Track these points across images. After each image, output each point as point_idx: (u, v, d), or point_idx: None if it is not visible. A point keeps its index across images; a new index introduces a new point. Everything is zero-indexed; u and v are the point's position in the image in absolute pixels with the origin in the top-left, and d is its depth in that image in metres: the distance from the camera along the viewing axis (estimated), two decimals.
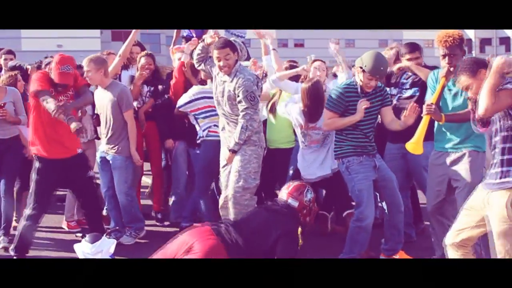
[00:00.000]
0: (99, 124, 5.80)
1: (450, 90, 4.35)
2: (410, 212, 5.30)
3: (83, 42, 33.92)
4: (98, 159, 5.64)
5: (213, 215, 5.37)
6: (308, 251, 4.73)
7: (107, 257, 4.46)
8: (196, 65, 5.14)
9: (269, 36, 6.10)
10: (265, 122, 5.73)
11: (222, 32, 6.25)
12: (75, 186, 5.05)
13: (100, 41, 37.11)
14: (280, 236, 4.16)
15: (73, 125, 4.45)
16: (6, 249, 5.17)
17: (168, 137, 5.98)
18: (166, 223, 6.05)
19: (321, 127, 5.14)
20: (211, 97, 5.08)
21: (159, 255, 4.15)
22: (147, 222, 5.90)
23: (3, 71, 7.25)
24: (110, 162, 5.48)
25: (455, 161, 4.35)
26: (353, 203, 4.95)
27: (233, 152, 4.80)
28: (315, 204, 4.63)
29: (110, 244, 4.50)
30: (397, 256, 4.83)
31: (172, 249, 4.07)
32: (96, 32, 37.23)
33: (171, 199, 6.17)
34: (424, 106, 4.23)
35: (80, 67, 5.59)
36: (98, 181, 5.63)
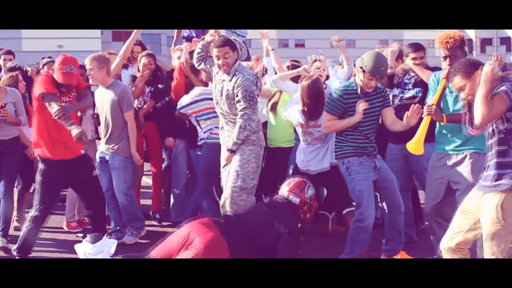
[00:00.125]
0: (99, 124, 5.80)
1: (451, 92, 4.35)
2: (411, 213, 5.30)
3: (84, 42, 33.90)
4: (97, 159, 5.64)
5: (215, 216, 5.37)
6: (309, 251, 4.73)
7: (108, 257, 4.46)
8: (196, 65, 5.13)
9: (266, 36, 6.11)
10: (265, 122, 5.74)
11: (223, 31, 6.25)
12: (80, 187, 5.04)
13: (100, 41, 37.10)
14: (281, 233, 4.16)
15: (74, 132, 4.44)
16: (5, 249, 5.18)
17: (168, 135, 5.98)
18: (165, 223, 6.05)
19: (317, 124, 5.12)
20: (213, 99, 5.08)
21: (159, 248, 4.14)
22: (147, 222, 5.92)
23: (2, 72, 7.26)
24: (109, 162, 5.48)
25: (456, 163, 4.35)
26: (354, 203, 4.95)
27: (231, 151, 4.80)
28: (316, 201, 4.64)
29: (111, 245, 4.50)
30: (398, 257, 4.83)
31: (172, 242, 4.07)
32: (97, 32, 37.22)
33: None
34: (425, 107, 4.23)
35: (82, 67, 5.60)
36: None
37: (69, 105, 4.79)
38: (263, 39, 6.14)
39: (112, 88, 5.39)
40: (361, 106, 4.52)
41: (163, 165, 6.45)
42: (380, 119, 4.82)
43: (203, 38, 5.02)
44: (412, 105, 4.41)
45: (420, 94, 4.95)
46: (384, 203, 4.87)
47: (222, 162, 4.95)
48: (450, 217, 4.13)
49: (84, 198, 5.17)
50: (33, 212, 4.78)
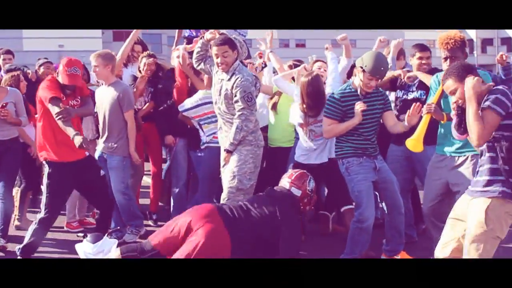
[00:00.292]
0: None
1: None
2: (411, 214, 5.30)
3: (85, 42, 33.90)
4: (96, 159, 5.63)
5: None
6: (309, 251, 4.73)
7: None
8: (195, 65, 5.11)
9: (263, 41, 6.11)
10: (266, 126, 5.74)
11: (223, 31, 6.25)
12: (88, 188, 5.02)
13: (101, 41, 37.09)
14: (283, 225, 4.16)
15: (77, 140, 4.41)
16: (3, 249, 5.18)
17: (168, 134, 5.99)
18: (162, 223, 6.05)
19: (317, 120, 5.08)
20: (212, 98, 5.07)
21: (159, 235, 4.13)
22: (145, 222, 5.93)
23: (2, 71, 7.26)
24: (107, 161, 5.47)
25: (458, 166, 4.35)
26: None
27: (228, 152, 4.80)
28: (315, 194, 4.65)
29: (112, 244, 4.51)
30: (398, 257, 4.83)
31: (174, 230, 4.07)
32: (98, 32, 37.21)
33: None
34: (425, 106, 4.24)
35: (84, 67, 5.61)
36: None
37: (72, 108, 4.77)
38: (261, 45, 6.16)
39: (114, 86, 5.40)
40: (359, 107, 4.52)
41: (165, 165, 6.46)
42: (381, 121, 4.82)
43: (203, 37, 5.02)
44: (414, 104, 4.41)
45: (423, 97, 4.95)
46: (384, 204, 4.87)
47: (222, 162, 4.95)
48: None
49: (93, 199, 5.17)
50: (40, 215, 4.75)
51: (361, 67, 4.55)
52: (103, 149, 5.49)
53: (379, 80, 4.67)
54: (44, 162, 4.82)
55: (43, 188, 4.80)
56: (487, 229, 3.36)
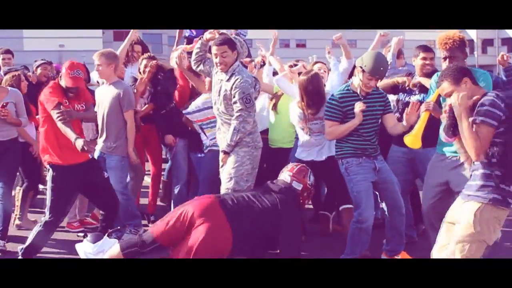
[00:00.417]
0: None
1: None
2: (410, 214, 5.30)
3: (85, 42, 33.90)
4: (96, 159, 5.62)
5: None
6: (309, 251, 4.73)
7: (104, 255, 4.46)
8: (194, 66, 5.10)
9: (263, 46, 6.11)
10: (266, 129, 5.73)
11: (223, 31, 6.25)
12: (93, 190, 5.01)
13: (102, 41, 37.09)
14: (284, 218, 4.15)
15: (78, 144, 4.38)
16: (3, 251, 5.18)
17: (168, 133, 5.99)
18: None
19: (319, 117, 5.06)
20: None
21: (161, 227, 4.12)
22: (146, 222, 5.95)
23: (1, 71, 7.26)
24: (106, 161, 5.46)
25: (458, 166, 4.35)
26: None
27: (225, 153, 4.80)
28: (313, 188, 4.66)
29: (112, 244, 4.51)
30: (399, 257, 4.83)
31: (176, 223, 4.06)
32: (98, 32, 37.20)
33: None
34: (424, 104, 4.24)
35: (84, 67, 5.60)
36: None
37: (74, 111, 4.74)
38: (261, 50, 6.16)
39: (115, 85, 5.40)
40: (358, 106, 4.52)
41: (167, 165, 6.46)
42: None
43: (201, 37, 5.02)
44: (412, 103, 4.41)
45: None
46: (384, 204, 4.87)
47: (220, 163, 4.96)
48: None
49: (97, 201, 5.16)
50: (44, 218, 4.72)
51: (361, 67, 4.55)
52: (102, 149, 5.49)
53: (379, 80, 4.67)
54: (47, 166, 4.79)
55: (47, 191, 4.76)
56: (474, 231, 3.39)
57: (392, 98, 5.19)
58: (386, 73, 4.77)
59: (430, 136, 4.31)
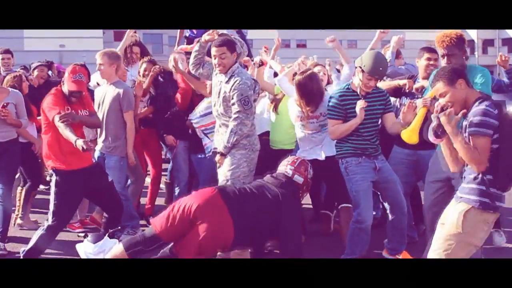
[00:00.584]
0: None
1: None
2: (410, 215, 5.29)
3: (86, 42, 33.92)
4: (96, 159, 5.60)
5: None
6: (309, 252, 4.73)
7: (107, 256, 4.46)
8: (192, 70, 5.09)
9: (267, 51, 6.10)
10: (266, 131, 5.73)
11: (224, 31, 6.24)
12: (98, 195, 5.00)
13: (102, 41, 37.11)
14: (285, 212, 4.15)
15: (79, 144, 4.32)
16: (3, 256, 5.18)
17: (169, 134, 5.99)
18: None
19: (316, 115, 5.04)
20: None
21: (163, 222, 4.08)
22: (141, 222, 5.93)
23: (1, 70, 7.24)
24: (105, 161, 5.46)
25: None
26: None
27: (222, 154, 4.80)
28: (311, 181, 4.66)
29: (112, 244, 4.51)
30: (400, 256, 4.83)
31: (178, 220, 4.03)
32: (99, 32, 37.22)
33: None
34: (421, 99, 4.24)
35: (83, 66, 5.58)
36: None
37: (78, 115, 4.72)
38: (264, 52, 6.15)
39: (115, 85, 5.40)
40: (359, 104, 4.51)
41: (169, 166, 6.45)
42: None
43: (199, 40, 5.01)
44: (409, 101, 4.41)
45: None
46: (386, 204, 4.86)
47: (216, 165, 4.95)
48: None
49: (102, 204, 5.15)
50: (47, 222, 4.70)
51: (360, 67, 4.55)
52: (102, 149, 5.49)
53: (378, 80, 4.66)
54: (51, 171, 4.78)
55: (51, 196, 4.73)
56: (461, 232, 3.42)
57: (392, 99, 5.18)
58: (386, 73, 4.76)
59: None
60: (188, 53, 5.81)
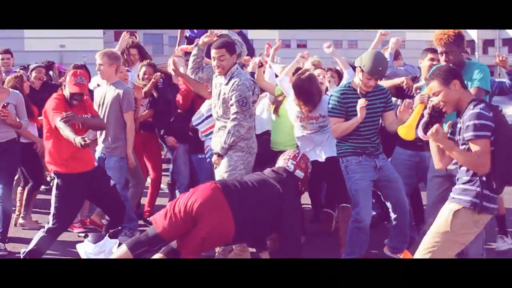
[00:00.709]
0: None
1: None
2: (411, 215, 5.28)
3: (86, 42, 33.95)
4: (96, 159, 5.59)
5: None
6: (310, 252, 4.73)
7: (110, 257, 4.46)
8: (192, 75, 5.08)
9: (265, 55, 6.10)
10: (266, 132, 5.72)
11: (225, 30, 6.24)
12: (99, 198, 4.99)
13: (102, 41, 37.14)
14: (285, 207, 4.14)
15: (77, 141, 4.28)
16: (3, 256, 5.18)
17: (169, 135, 5.98)
18: None
19: (314, 116, 5.03)
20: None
21: (164, 222, 4.06)
22: (140, 222, 5.95)
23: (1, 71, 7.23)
24: (105, 161, 5.45)
25: None
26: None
27: (219, 155, 4.80)
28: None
29: (113, 244, 4.51)
30: (401, 256, 4.83)
31: (178, 219, 4.02)
32: (99, 32, 37.26)
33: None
34: (418, 96, 4.24)
35: (83, 66, 5.59)
36: None
37: (79, 116, 4.71)
38: (265, 54, 6.16)
39: (115, 86, 5.39)
40: (360, 103, 4.50)
41: (171, 166, 6.46)
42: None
43: (197, 44, 5.00)
44: (405, 100, 4.41)
45: None
46: (388, 203, 4.85)
47: (213, 165, 4.95)
48: None
49: (104, 207, 5.14)
50: (48, 224, 4.69)
51: (360, 67, 4.55)
52: (102, 150, 5.49)
53: (378, 80, 4.66)
54: (53, 174, 4.77)
55: (52, 199, 4.72)
56: (449, 230, 3.45)
57: (394, 99, 5.17)
58: (386, 72, 4.76)
59: None
60: (188, 53, 5.81)
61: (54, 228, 4.67)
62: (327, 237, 5.63)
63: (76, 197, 4.79)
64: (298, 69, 5.90)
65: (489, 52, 49.53)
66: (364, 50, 4.77)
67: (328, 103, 4.76)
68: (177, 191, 6.03)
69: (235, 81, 4.68)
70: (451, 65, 4.08)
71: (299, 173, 4.44)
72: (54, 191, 4.70)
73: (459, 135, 3.51)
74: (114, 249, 4.52)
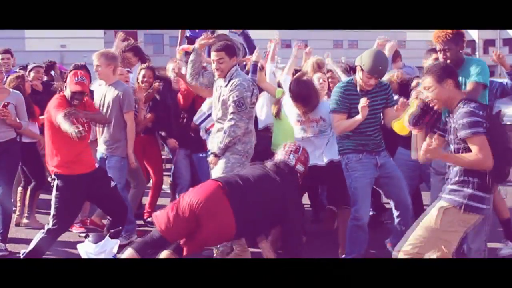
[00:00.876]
0: None
1: None
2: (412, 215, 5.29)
3: (87, 42, 33.90)
4: (97, 160, 5.58)
5: None
6: (310, 252, 4.73)
7: (110, 257, 4.46)
8: (191, 81, 5.08)
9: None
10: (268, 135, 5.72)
11: (226, 31, 6.24)
12: (99, 199, 5.00)
13: (103, 41, 37.14)
14: (288, 204, 4.15)
15: (74, 133, 4.30)
16: (4, 256, 5.18)
17: (170, 137, 5.99)
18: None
19: (314, 119, 5.02)
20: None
21: (165, 222, 4.05)
22: (140, 222, 5.96)
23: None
24: (106, 161, 5.46)
25: None
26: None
27: (215, 156, 4.81)
28: None
29: (113, 244, 4.52)
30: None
31: (180, 220, 4.00)
32: (100, 32, 37.24)
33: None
34: (414, 91, 4.24)
35: (83, 66, 5.59)
36: None
37: (82, 111, 4.73)
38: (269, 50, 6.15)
39: (114, 86, 5.39)
40: (362, 103, 4.49)
41: (172, 167, 6.46)
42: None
43: (193, 49, 5.00)
44: (401, 99, 4.42)
45: None
46: (391, 201, 4.84)
47: (210, 166, 4.95)
48: None
49: (105, 208, 5.15)
50: (48, 225, 4.70)
51: (360, 66, 4.55)
52: (103, 150, 5.49)
53: (379, 79, 4.65)
54: (53, 175, 4.77)
55: (52, 200, 4.73)
56: (434, 226, 3.51)
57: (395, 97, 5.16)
58: (386, 71, 4.75)
59: None
60: (189, 53, 5.82)
61: (54, 229, 4.67)
62: (327, 237, 5.62)
63: (76, 199, 4.79)
64: (297, 70, 5.91)
65: (489, 52, 49.46)
66: (364, 50, 4.76)
67: (331, 99, 4.75)
68: (177, 195, 6.02)
69: (234, 82, 4.69)
70: (448, 61, 4.10)
71: (300, 167, 4.43)
72: (54, 192, 4.70)
73: (450, 134, 3.53)
74: (115, 249, 4.52)
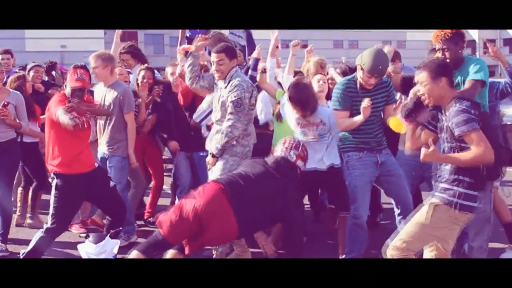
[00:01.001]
0: None
1: None
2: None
3: (87, 43, 33.91)
4: (98, 160, 5.59)
5: None
6: (310, 252, 4.73)
7: (111, 257, 4.46)
8: (192, 85, 5.08)
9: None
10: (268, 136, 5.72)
11: (226, 32, 6.25)
12: (98, 199, 5.01)
13: (104, 41, 37.15)
14: (289, 201, 4.14)
15: (67, 121, 4.28)
16: (4, 256, 5.18)
17: (171, 139, 6.00)
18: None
19: (314, 122, 5.00)
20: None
21: (168, 226, 4.03)
22: (140, 222, 5.96)
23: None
24: (107, 162, 5.46)
25: None
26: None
27: (213, 156, 4.81)
28: None
29: (114, 245, 4.51)
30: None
31: (182, 223, 3.99)
32: (100, 33, 37.25)
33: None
34: (412, 90, 4.24)
35: (83, 66, 5.58)
36: None
37: (83, 104, 4.71)
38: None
39: (114, 87, 5.39)
40: (364, 103, 4.48)
41: (173, 167, 6.47)
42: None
43: (191, 53, 5.00)
44: (399, 99, 4.42)
45: None
46: (392, 199, 4.84)
47: (208, 166, 4.96)
48: None
49: (105, 208, 5.16)
50: (47, 225, 4.70)
51: (360, 65, 4.55)
52: (104, 150, 5.49)
53: (379, 78, 4.65)
54: (52, 174, 4.77)
55: (51, 199, 4.73)
56: (424, 222, 3.54)
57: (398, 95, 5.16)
58: (386, 70, 4.75)
59: None
60: (186, 53, 5.83)
61: (53, 228, 4.68)
62: (328, 237, 5.63)
63: (75, 198, 4.80)
64: (296, 72, 5.91)
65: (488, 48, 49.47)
66: (364, 50, 4.76)
67: (333, 97, 4.76)
68: (177, 195, 6.03)
69: (233, 83, 4.70)
70: (448, 61, 4.10)
71: (300, 163, 4.42)
72: (53, 192, 4.71)
73: (442, 132, 3.54)
74: (115, 249, 4.52)
